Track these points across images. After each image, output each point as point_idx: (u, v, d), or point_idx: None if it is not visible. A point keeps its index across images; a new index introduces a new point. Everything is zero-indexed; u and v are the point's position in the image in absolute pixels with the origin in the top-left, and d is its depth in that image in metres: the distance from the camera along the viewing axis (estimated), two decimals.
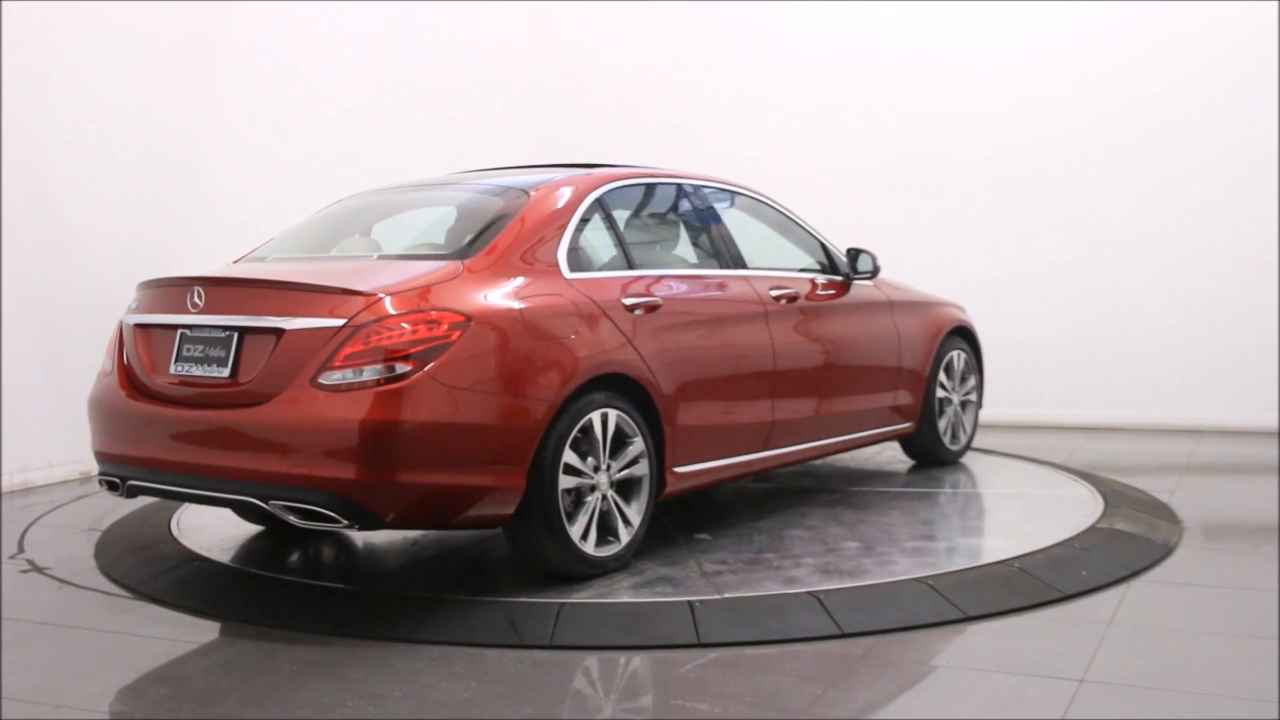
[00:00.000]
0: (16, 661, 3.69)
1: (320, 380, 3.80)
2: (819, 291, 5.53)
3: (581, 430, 4.16)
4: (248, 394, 3.94)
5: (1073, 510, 5.26)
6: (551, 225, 4.44)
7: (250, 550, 4.89)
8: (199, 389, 4.10)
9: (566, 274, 4.36)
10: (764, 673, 3.47)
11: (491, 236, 4.30)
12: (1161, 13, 8.08)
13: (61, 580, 4.60)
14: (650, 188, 5.18)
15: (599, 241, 4.70)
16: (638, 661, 3.62)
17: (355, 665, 3.58)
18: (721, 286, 5.01)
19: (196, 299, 4.15)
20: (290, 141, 7.84)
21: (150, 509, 5.55)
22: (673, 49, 9.53)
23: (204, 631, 3.95)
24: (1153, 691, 3.30)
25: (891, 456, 6.63)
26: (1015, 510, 5.51)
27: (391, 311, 3.85)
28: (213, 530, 5.15)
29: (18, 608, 4.24)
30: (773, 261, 5.53)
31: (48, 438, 6.11)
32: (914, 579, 4.16)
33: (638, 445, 4.35)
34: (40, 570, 4.75)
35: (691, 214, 5.25)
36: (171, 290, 4.31)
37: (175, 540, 4.97)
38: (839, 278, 5.69)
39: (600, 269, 4.57)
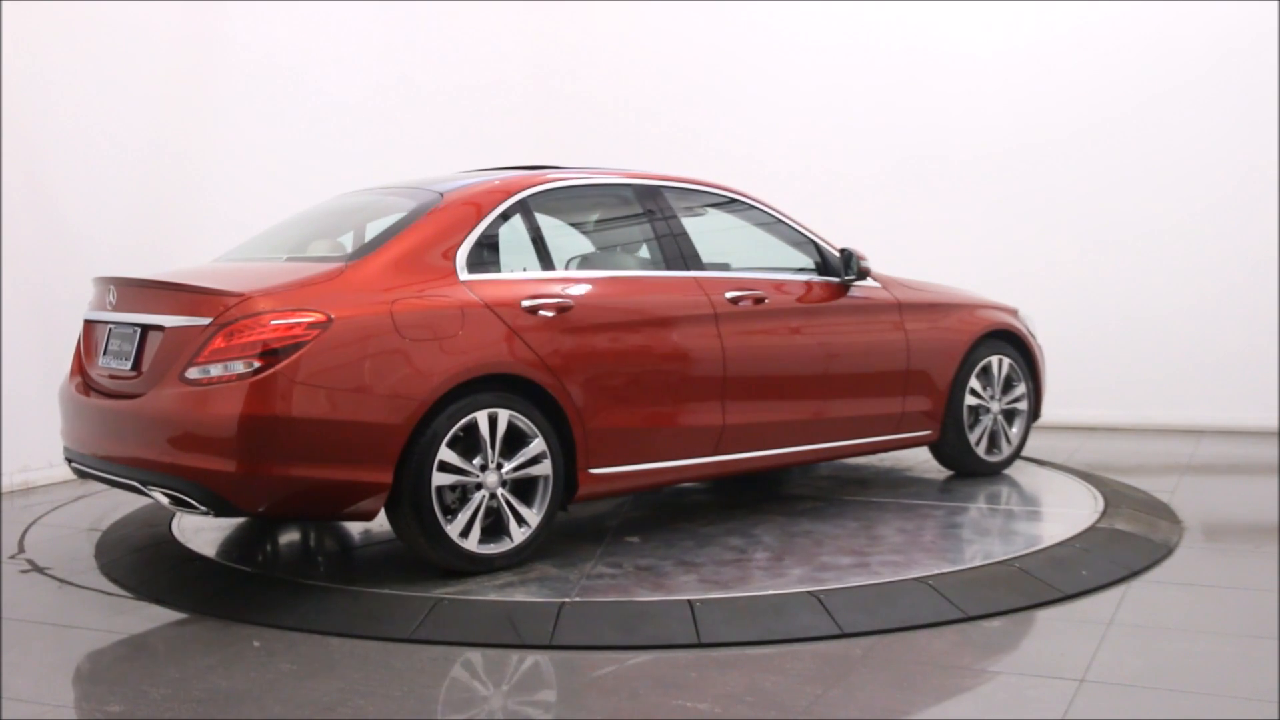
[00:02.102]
0: (16, 661, 3.69)
1: (186, 375, 4.05)
2: (805, 293, 5.37)
3: (466, 429, 4.23)
4: (138, 386, 4.24)
5: (1073, 510, 5.26)
6: (455, 228, 4.49)
7: (250, 550, 4.89)
8: (114, 380, 4.42)
9: (463, 276, 4.40)
10: (764, 673, 3.48)
11: (386, 239, 4.42)
12: (1162, 13, 8.07)
13: (61, 580, 4.60)
14: (593, 190, 5.15)
15: (513, 244, 4.70)
16: (637, 661, 3.62)
17: (355, 665, 3.58)
18: (656, 288, 4.91)
19: (111, 298, 4.51)
20: (290, 142, 7.84)
21: (150, 509, 5.55)
22: (674, 50, 9.53)
23: (204, 632, 3.95)
24: (1153, 691, 3.30)
25: (934, 464, 6.24)
26: (997, 522, 5.28)
27: (252, 311, 4.02)
28: (213, 530, 5.15)
29: (18, 608, 4.24)
30: (753, 263, 5.40)
31: (48, 438, 6.09)
32: (914, 579, 4.16)
33: (537, 446, 4.37)
34: (40, 570, 4.75)
35: (640, 216, 5.13)
36: (102, 288, 4.67)
37: (175, 540, 4.97)
38: (832, 280, 5.48)
39: (506, 271, 4.58)
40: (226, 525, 5.22)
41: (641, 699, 3.32)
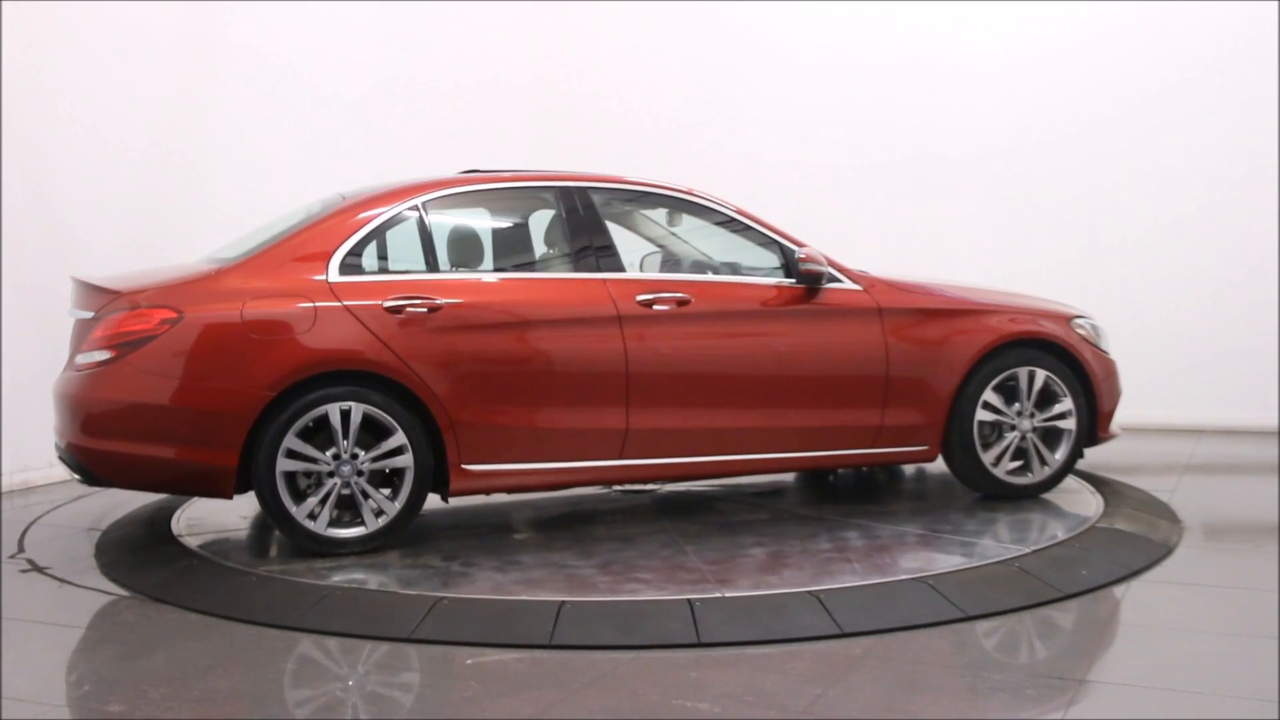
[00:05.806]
0: (16, 661, 3.69)
1: (76, 360, 4.64)
2: (750, 296, 5.10)
3: (318, 421, 4.52)
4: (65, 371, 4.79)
5: (1073, 510, 5.25)
6: (337, 232, 4.75)
7: (250, 550, 4.90)
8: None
9: (333, 278, 4.65)
10: (764, 673, 3.48)
11: (270, 243, 4.76)
12: (1161, 13, 8.06)
13: (61, 580, 4.60)
14: (506, 193, 5.20)
15: (399, 247, 4.84)
16: (637, 661, 3.62)
17: (355, 665, 3.58)
18: (545, 289, 4.92)
19: (71, 295, 4.96)
20: (290, 141, 7.83)
21: (150, 509, 5.55)
22: (673, 50, 9.52)
23: (204, 631, 3.95)
24: (1153, 691, 3.30)
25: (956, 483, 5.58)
26: (892, 553, 4.55)
27: (120, 307, 4.53)
28: (212, 530, 5.15)
29: (18, 608, 4.24)
30: (700, 264, 5.30)
31: (48, 438, 6.10)
32: (914, 579, 4.15)
33: (396, 439, 4.59)
34: (40, 570, 4.75)
35: (554, 218, 5.12)
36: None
37: (175, 540, 4.97)
38: (794, 282, 5.13)
39: (381, 274, 4.77)
40: (226, 526, 5.22)
41: (641, 699, 3.32)
